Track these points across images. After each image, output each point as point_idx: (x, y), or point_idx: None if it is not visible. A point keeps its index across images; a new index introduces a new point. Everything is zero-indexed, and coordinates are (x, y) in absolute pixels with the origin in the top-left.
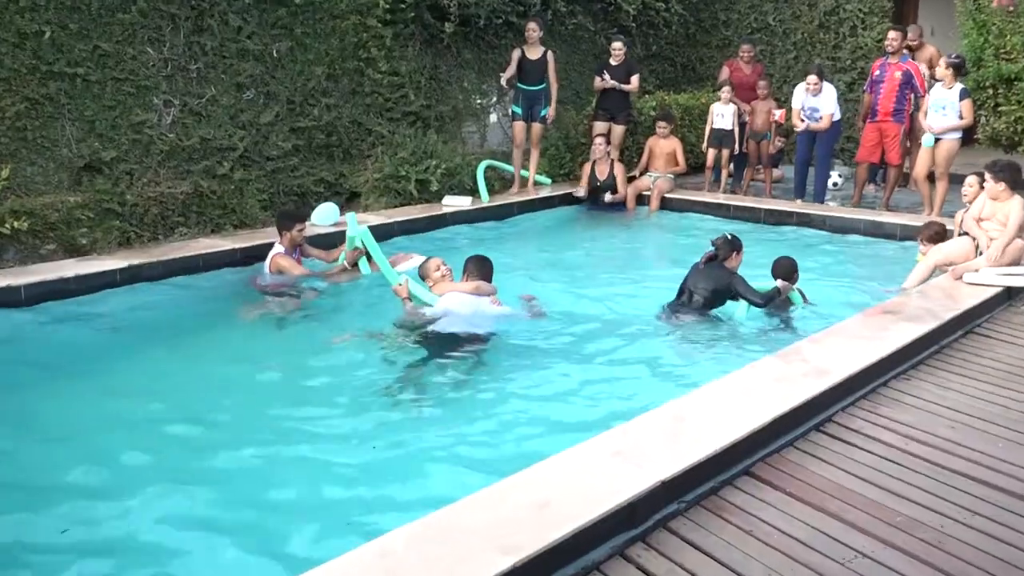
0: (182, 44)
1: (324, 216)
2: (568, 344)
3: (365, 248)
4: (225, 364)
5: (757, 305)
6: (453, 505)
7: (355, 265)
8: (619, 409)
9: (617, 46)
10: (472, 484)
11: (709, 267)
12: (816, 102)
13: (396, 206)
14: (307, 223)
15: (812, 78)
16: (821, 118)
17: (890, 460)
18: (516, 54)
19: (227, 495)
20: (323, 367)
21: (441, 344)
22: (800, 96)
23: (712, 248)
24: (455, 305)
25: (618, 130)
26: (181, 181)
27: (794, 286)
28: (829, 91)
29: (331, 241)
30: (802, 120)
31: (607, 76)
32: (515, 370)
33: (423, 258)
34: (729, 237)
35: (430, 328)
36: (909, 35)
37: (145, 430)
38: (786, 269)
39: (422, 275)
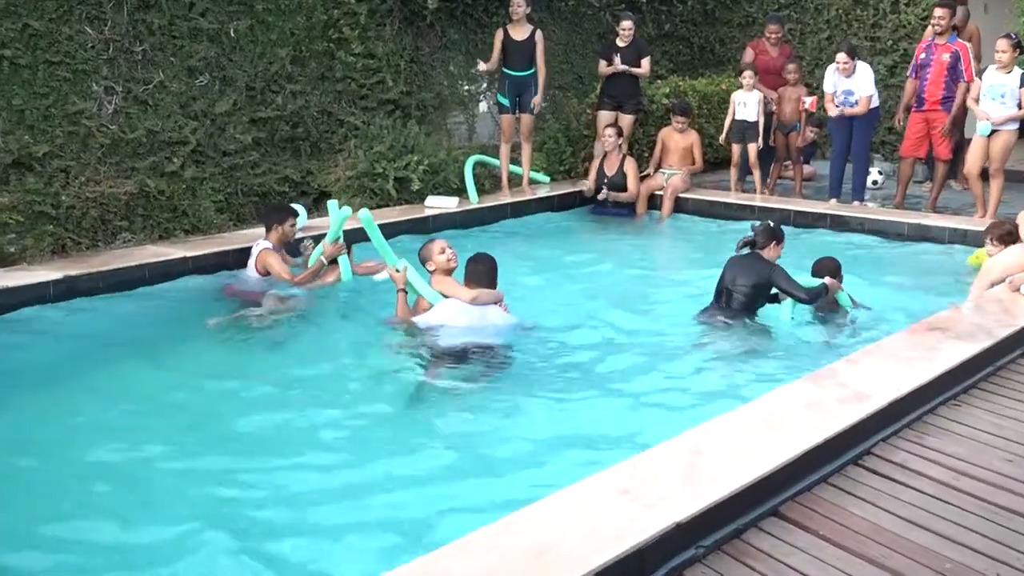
0: (125, 22)
1: None
2: (572, 365)
3: (346, 245)
4: (182, 387)
5: (801, 300)
6: (438, 551)
7: (333, 263)
8: (628, 440)
9: (626, 25)
10: (460, 526)
11: (747, 259)
12: (850, 84)
13: (372, 208)
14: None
15: (842, 56)
16: (857, 102)
17: (938, 498)
18: (499, 35)
19: (181, 541)
20: (298, 386)
21: (437, 358)
22: (831, 79)
23: (750, 233)
24: (453, 315)
25: (626, 120)
26: (124, 180)
27: (842, 287)
28: (864, 70)
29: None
30: (836, 106)
31: (617, 60)
32: (513, 393)
33: (405, 263)
34: (771, 224)
35: (426, 338)
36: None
37: (88, 464)
38: (830, 270)
39: (423, 258)
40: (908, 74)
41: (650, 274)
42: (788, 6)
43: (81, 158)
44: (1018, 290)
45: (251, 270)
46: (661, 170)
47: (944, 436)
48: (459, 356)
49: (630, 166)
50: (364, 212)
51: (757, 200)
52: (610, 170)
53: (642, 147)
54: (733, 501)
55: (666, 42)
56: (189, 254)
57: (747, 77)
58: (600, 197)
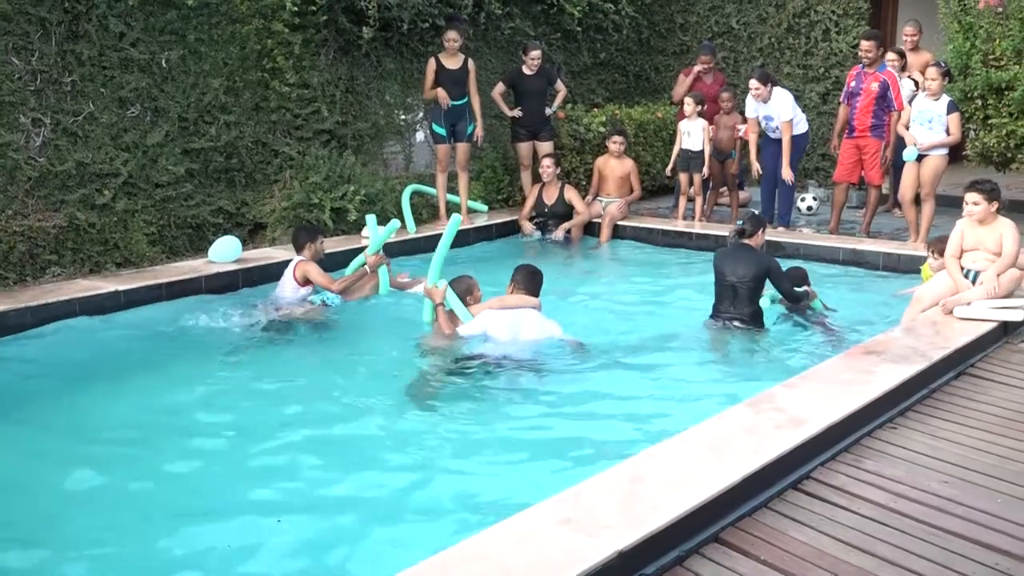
0: (54, 53)
1: (224, 252)
2: (512, 391)
3: (386, 259)
4: (216, 395)
5: (789, 296)
6: None
7: (373, 273)
8: (569, 467)
9: (535, 54)
10: (402, 561)
11: (740, 251)
12: (768, 109)
13: None
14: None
15: (753, 83)
16: (777, 128)
17: (877, 521)
18: (432, 65)
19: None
20: (308, 396)
21: (456, 371)
22: (752, 104)
23: (739, 223)
24: (492, 324)
25: (544, 147)
26: (53, 213)
27: (817, 295)
28: (780, 95)
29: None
30: (762, 128)
31: (516, 111)
32: (468, 416)
33: (444, 282)
34: (756, 213)
35: (459, 350)
36: (909, 29)
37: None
38: (801, 278)
39: (463, 291)
40: (840, 101)
41: (597, 296)
42: (722, 35)
43: (8, 191)
44: (950, 313)
45: (288, 281)
46: (599, 198)
47: (882, 459)
48: (482, 369)
49: (572, 193)
50: (456, 217)
51: (696, 227)
52: (549, 200)
53: (579, 176)
54: (675, 528)
55: (602, 70)
56: (121, 287)
57: (689, 105)
58: (555, 238)
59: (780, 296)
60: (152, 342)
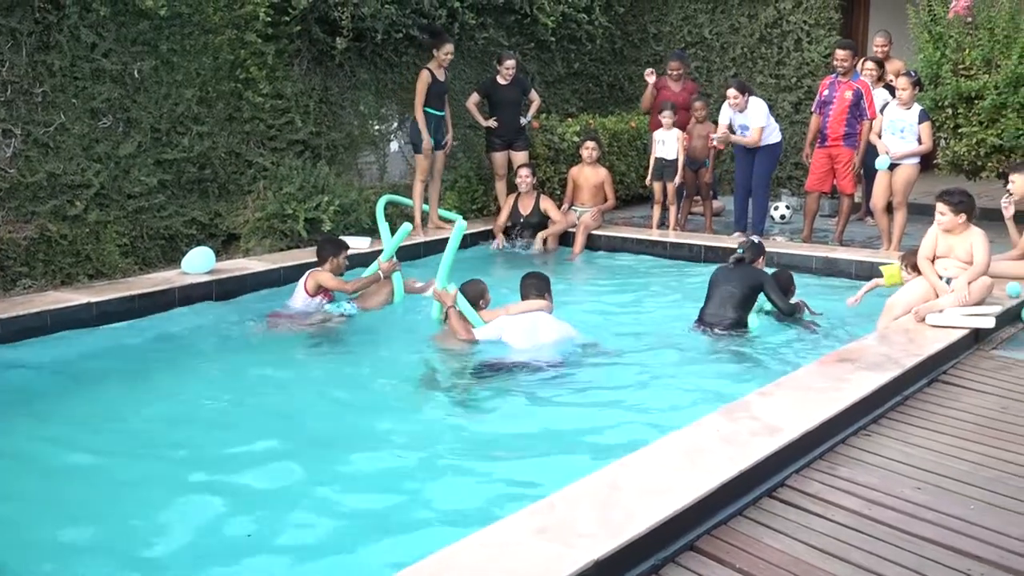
0: (24, 63)
1: (197, 263)
2: (492, 401)
3: (399, 264)
4: (232, 398)
5: (781, 310)
6: None
7: (386, 279)
8: (545, 475)
9: (510, 64)
10: (388, 568)
11: (740, 267)
12: (743, 119)
13: (282, 249)
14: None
15: (731, 92)
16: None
17: (851, 528)
18: (428, 78)
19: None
20: (322, 400)
21: (469, 375)
22: (727, 113)
23: (739, 251)
24: (508, 329)
25: (519, 157)
26: (24, 224)
27: (806, 307)
28: (756, 105)
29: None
30: (733, 133)
31: (491, 122)
32: (457, 421)
33: (455, 286)
34: (755, 240)
35: (474, 354)
36: (879, 39)
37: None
38: (786, 281)
39: (476, 296)
40: (812, 110)
41: (575, 305)
42: (695, 45)
43: None
44: (923, 320)
45: (299, 292)
46: (573, 208)
47: (856, 466)
48: (498, 371)
49: (547, 203)
50: (462, 222)
51: (670, 236)
52: (525, 210)
53: (554, 185)
54: (651, 537)
55: (576, 80)
56: (93, 299)
57: (666, 116)
58: (535, 250)
59: (772, 310)
60: (162, 350)
